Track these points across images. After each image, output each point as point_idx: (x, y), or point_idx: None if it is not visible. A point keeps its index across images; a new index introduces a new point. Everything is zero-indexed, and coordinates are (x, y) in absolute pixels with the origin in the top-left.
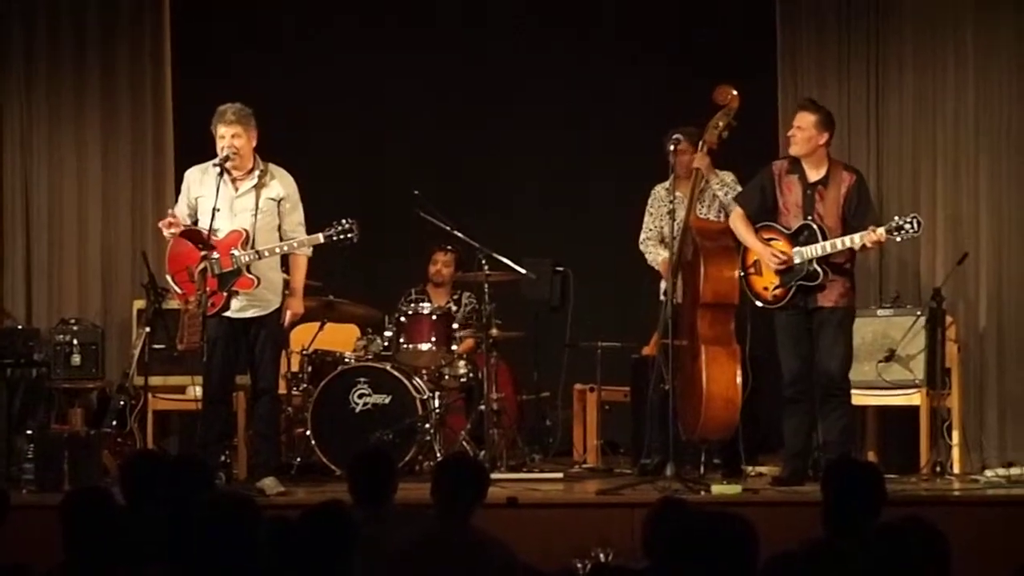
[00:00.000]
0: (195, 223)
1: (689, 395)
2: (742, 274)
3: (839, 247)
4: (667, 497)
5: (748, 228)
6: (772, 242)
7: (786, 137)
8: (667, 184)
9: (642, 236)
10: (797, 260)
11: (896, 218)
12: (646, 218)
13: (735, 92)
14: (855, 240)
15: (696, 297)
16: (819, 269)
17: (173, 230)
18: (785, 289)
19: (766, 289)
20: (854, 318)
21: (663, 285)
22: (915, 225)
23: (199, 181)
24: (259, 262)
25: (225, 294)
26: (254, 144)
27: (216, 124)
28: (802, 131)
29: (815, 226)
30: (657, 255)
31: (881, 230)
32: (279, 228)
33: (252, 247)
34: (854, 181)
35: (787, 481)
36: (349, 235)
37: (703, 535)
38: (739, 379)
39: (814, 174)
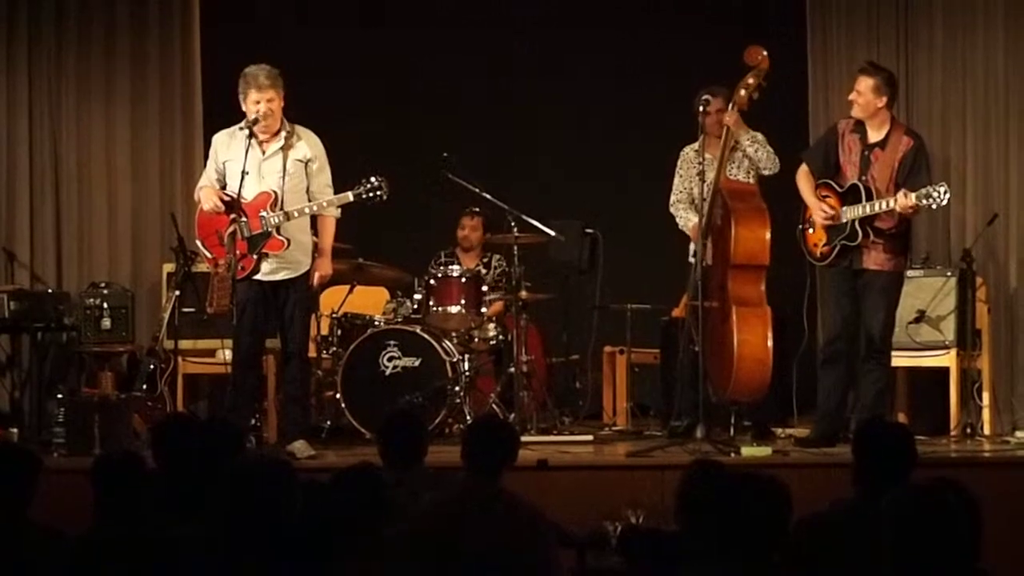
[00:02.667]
0: (223, 187)
1: (719, 357)
2: (800, 227)
3: (877, 209)
4: (702, 459)
5: (808, 184)
6: (826, 199)
7: (847, 100)
8: (696, 145)
9: (672, 198)
10: (844, 219)
11: (926, 187)
12: (676, 180)
13: (765, 53)
14: (890, 203)
15: (727, 258)
16: (859, 230)
17: (218, 207)
18: (830, 247)
19: (816, 246)
20: (901, 284)
21: (692, 247)
22: (941, 195)
23: (226, 145)
24: (289, 224)
25: (255, 257)
26: (282, 105)
27: (247, 89)
28: (861, 95)
29: (862, 187)
30: (688, 220)
31: (912, 196)
32: (307, 189)
33: (281, 208)
34: (911, 146)
35: (814, 442)
36: (379, 192)
37: (736, 497)
38: (770, 341)
39: (874, 135)
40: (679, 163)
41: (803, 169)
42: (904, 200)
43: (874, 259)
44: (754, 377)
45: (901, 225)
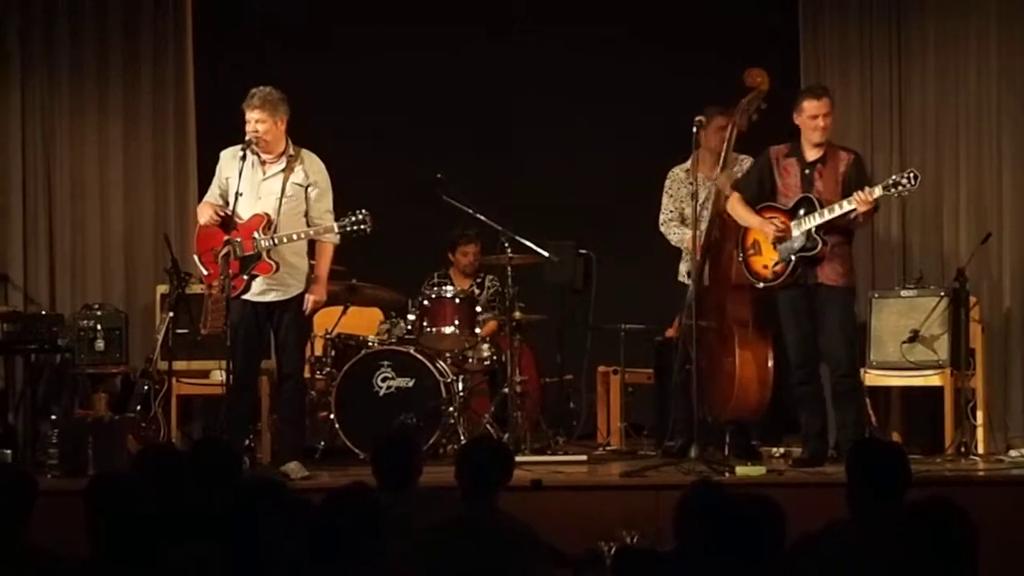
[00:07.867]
0: (226, 203)
1: (716, 377)
2: (740, 257)
3: (836, 212)
4: (701, 479)
5: (747, 209)
6: (773, 220)
7: (817, 129)
8: (686, 165)
9: (662, 218)
10: (796, 232)
11: (892, 177)
12: (665, 200)
13: (765, 74)
14: (851, 202)
15: (728, 279)
16: (818, 238)
17: (213, 220)
18: (785, 264)
19: (766, 267)
20: (855, 299)
21: (683, 267)
22: (911, 179)
23: (229, 163)
24: (281, 247)
25: (245, 277)
26: (282, 129)
27: (244, 107)
28: (829, 116)
29: (814, 199)
30: (684, 234)
31: (877, 188)
32: (306, 214)
33: (275, 231)
34: (852, 160)
35: (809, 462)
36: (362, 226)
37: (734, 517)
38: (771, 360)
39: (812, 154)
40: (668, 184)
41: (735, 197)
42: (864, 195)
43: (827, 274)
44: (756, 397)
45: (850, 240)
